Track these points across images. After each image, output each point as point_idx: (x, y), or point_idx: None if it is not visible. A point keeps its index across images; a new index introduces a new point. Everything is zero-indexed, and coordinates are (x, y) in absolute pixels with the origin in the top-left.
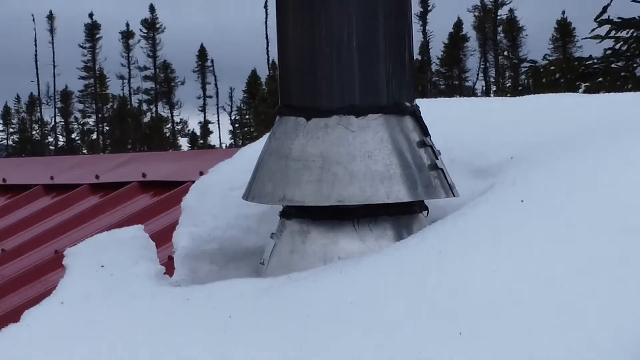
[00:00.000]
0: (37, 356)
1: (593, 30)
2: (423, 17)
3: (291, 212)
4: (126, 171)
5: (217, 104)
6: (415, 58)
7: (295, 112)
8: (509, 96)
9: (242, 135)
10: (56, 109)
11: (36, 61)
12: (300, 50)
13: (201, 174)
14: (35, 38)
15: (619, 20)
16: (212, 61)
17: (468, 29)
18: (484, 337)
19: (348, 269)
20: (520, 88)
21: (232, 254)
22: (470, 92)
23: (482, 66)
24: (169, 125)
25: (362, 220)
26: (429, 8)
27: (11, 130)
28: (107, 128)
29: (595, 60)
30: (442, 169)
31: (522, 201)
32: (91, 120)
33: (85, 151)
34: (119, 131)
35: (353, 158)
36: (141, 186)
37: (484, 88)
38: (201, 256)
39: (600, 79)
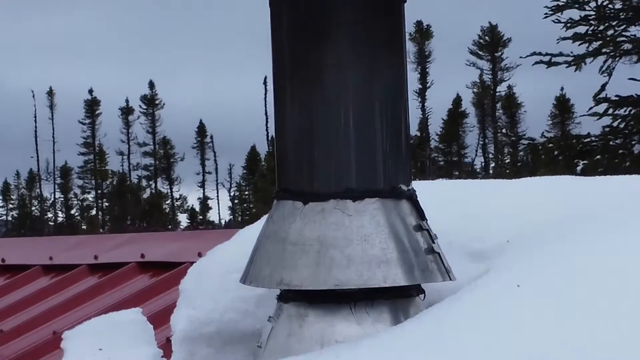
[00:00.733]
0: None
1: (591, 108)
2: (422, 93)
3: (288, 296)
4: (125, 251)
5: (217, 180)
6: (414, 134)
7: (292, 196)
8: (508, 172)
9: (241, 212)
10: (56, 185)
11: (36, 137)
12: (296, 135)
13: (200, 255)
14: (35, 114)
15: (617, 98)
16: (211, 137)
17: (467, 105)
18: None
19: (345, 353)
20: (519, 164)
21: (229, 337)
22: (470, 168)
23: (481, 142)
24: (168, 202)
25: (359, 304)
26: (427, 85)
27: (11, 205)
28: (107, 204)
29: (593, 138)
30: (438, 253)
31: (518, 286)
32: (90, 196)
33: (84, 227)
34: (119, 207)
35: (350, 242)
36: (140, 267)
37: (483, 164)
38: (199, 339)
39: (599, 157)
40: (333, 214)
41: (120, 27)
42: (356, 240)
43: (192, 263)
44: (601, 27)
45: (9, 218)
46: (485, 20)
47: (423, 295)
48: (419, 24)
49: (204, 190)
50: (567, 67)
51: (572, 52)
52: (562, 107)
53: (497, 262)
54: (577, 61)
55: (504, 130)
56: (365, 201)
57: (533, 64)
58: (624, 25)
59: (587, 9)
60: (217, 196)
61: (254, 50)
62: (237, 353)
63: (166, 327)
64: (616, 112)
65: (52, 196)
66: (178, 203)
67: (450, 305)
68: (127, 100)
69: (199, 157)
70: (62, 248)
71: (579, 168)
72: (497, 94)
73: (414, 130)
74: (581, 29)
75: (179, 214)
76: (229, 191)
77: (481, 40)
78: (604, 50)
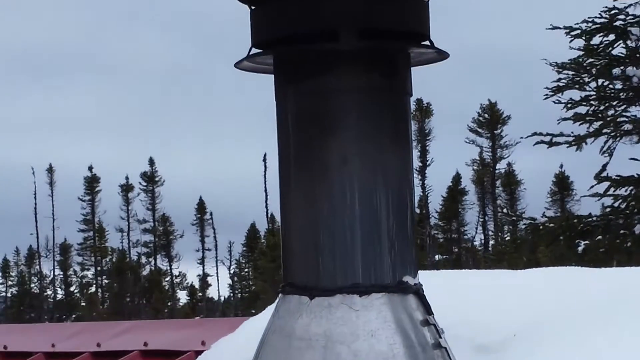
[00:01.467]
0: None
1: (592, 187)
2: (422, 171)
3: None
4: (128, 339)
5: (216, 257)
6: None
7: (298, 290)
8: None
9: (241, 289)
10: (55, 262)
11: (35, 214)
12: (302, 229)
13: (203, 343)
14: (35, 191)
15: (618, 178)
16: (211, 214)
17: (467, 182)
18: None
19: None
20: (519, 241)
21: None
22: (470, 245)
23: (480, 219)
24: (167, 279)
25: None
26: (428, 162)
27: (10, 282)
28: (106, 281)
29: (594, 218)
30: (445, 348)
31: None
32: (90, 273)
33: (83, 304)
34: (118, 284)
35: (357, 337)
36: (143, 355)
37: (483, 241)
38: None
39: (600, 237)
40: (340, 309)
41: (120, 104)
42: (363, 335)
43: (195, 352)
44: (602, 108)
45: (9, 295)
46: (484, 98)
47: None
48: (419, 101)
49: (203, 267)
50: (567, 147)
51: (572, 132)
52: (562, 184)
53: (504, 355)
54: (578, 141)
55: (504, 210)
56: (372, 296)
57: (534, 144)
58: (625, 106)
59: (587, 89)
60: (217, 273)
61: (253, 127)
62: None
63: None
64: (617, 191)
65: (52, 273)
66: (178, 280)
67: None
68: (127, 178)
69: (198, 234)
70: (64, 335)
71: (580, 248)
72: (497, 171)
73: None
74: (582, 109)
75: (178, 291)
76: (229, 268)
77: (480, 118)
78: (604, 130)
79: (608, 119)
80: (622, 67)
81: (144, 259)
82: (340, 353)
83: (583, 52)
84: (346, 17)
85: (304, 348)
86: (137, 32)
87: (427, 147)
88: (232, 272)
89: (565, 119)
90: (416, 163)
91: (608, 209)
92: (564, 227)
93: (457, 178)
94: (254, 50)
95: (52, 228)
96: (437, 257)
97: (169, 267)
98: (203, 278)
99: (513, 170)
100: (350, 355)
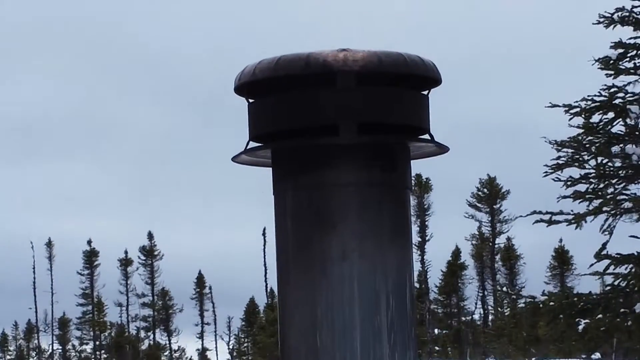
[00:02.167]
0: None
1: (592, 265)
2: (421, 246)
3: None
4: None
5: (215, 332)
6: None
7: None
8: (506, 324)
9: None
10: (54, 336)
11: (34, 288)
12: (300, 325)
13: None
14: (33, 265)
15: (618, 256)
16: (210, 288)
17: (466, 257)
18: None
19: None
20: (518, 317)
21: None
22: (469, 319)
23: (480, 294)
24: (166, 353)
25: None
26: (427, 237)
27: (8, 357)
28: (105, 356)
29: (594, 296)
30: None
31: None
32: (89, 348)
33: None
34: (117, 359)
35: None
36: None
37: (482, 316)
38: None
39: (600, 315)
40: None
41: (119, 178)
42: None
43: None
44: (601, 185)
45: None
46: (483, 173)
47: None
48: (418, 176)
49: (202, 341)
50: (567, 225)
51: (572, 210)
52: (561, 259)
53: None
54: (578, 219)
55: (504, 289)
56: None
57: (533, 223)
58: (624, 184)
59: (587, 167)
60: (216, 347)
61: (252, 200)
62: None
63: None
64: (617, 269)
65: (50, 347)
66: (177, 355)
67: None
68: (125, 252)
69: (197, 308)
70: None
71: (580, 327)
72: (496, 245)
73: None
74: (581, 187)
75: None
76: (228, 343)
77: (480, 193)
78: (604, 208)
79: (608, 196)
80: (621, 145)
81: (142, 333)
82: None
83: (582, 130)
84: (346, 111)
85: None
86: (136, 105)
87: (427, 222)
88: (231, 346)
89: (564, 197)
90: (415, 238)
91: (608, 287)
92: (564, 305)
93: (456, 253)
94: (252, 144)
95: (50, 302)
96: (436, 331)
97: (168, 342)
98: (202, 352)
99: (512, 245)
100: None
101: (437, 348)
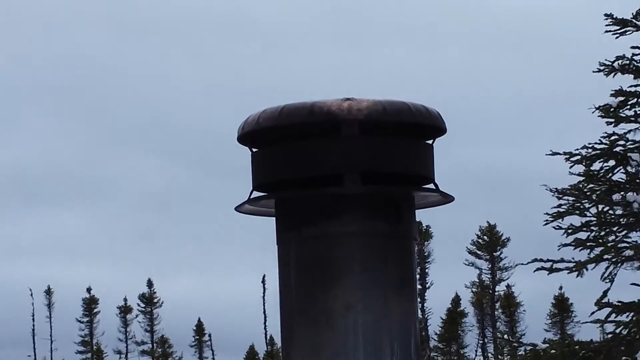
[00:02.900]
0: None
1: (593, 313)
2: (421, 294)
3: None
4: None
5: None
6: None
7: None
8: None
9: None
10: None
11: (33, 336)
12: None
13: None
14: (33, 313)
15: (619, 304)
16: (209, 335)
17: (466, 304)
18: None
19: None
20: None
21: None
22: None
23: (480, 342)
24: None
25: None
26: (427, 285)
27: None
28: None
29: (596, 344)
30: None
31: None
32: None
33: None
34: None
35: None
36: None
37: None
38: None
39: None
40: None
41: (119, 226)
42: None
43: None
44: (602, 233)
45: None
46: (483, 220)
47: None
48: (418, 224)
49: None
50: (568, 273)
51: (573, 258)
52: (561, 306)
53: None
54: (579, 267)
55: (505, 336)
56: None
57: (534, 271)
58: (625, 232)
59: (587, 215)
60: None
61: (253, 247)
62: None
63: None
64: (619, 317)
65: None
66: None
67: None
68: (125, 299)
69: (197, 356)
70: None
71: None
72: (496, 293)
73: None
74: (582, 235)
75: None
76: None
77: (480, 240)
78: (605, 256)
79: (609, 244)
80: (622, 193)
81: None
82: None
83: (583, 178)
84: (350, 161)
85: None
86: (137, 154)
87: (427, 270)
88: None
89: (565, 245)
90: None
91: (609, 335)
92: (565, 353)
93: (456, 300)
94: (255, 194)
95: (50, 350)
96: None
97: None
98: None
99: (512, 292)
100: None
101: None
